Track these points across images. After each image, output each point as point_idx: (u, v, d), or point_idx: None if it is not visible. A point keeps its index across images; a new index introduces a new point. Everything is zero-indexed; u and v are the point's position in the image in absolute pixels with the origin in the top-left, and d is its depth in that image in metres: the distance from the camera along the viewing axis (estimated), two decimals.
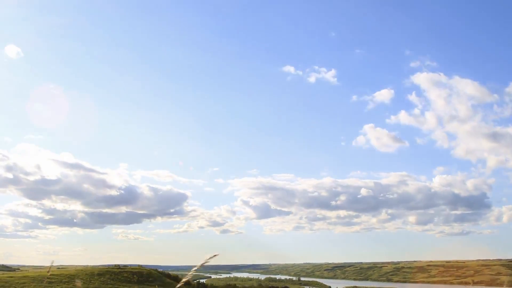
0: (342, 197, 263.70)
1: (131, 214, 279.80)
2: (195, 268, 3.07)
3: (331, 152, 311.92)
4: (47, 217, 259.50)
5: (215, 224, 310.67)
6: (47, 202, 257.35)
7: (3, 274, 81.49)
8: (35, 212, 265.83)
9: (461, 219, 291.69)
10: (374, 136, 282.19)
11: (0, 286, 59.47)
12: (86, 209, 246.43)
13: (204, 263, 3.02)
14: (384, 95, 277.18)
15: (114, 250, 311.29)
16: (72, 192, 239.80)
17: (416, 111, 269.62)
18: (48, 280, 70.19)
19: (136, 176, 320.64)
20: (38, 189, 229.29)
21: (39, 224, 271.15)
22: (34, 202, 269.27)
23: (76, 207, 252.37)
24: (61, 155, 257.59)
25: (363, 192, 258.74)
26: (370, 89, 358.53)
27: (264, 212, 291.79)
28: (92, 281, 73.13)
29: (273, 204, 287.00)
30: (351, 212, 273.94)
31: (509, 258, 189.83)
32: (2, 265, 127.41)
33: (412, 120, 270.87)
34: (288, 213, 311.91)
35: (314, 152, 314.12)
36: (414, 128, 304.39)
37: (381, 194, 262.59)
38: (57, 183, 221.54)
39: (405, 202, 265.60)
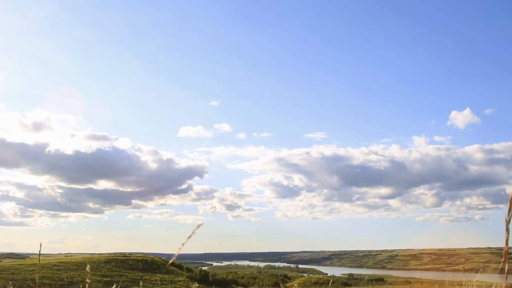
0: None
1: (134, 193, 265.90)
2: (185, 241, 4.09)
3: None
4: (43, 200, 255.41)
5: (227, 207, 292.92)
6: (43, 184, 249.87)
7: (13, 261, 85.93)
8: (36, 195, 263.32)
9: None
10: None
11: (10, 273, 63.99)
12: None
13: (191, 235, 3.22)
14: None
15: (118, 237, 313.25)
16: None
17: None
18: (56, 267, 75.04)
19: (139, 151, 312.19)
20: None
21: (40, 209, 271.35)
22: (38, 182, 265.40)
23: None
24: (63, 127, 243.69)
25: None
26: None
27: (283, 192, 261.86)
28: (99, 269, 77.72)
29: (297, 182, 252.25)
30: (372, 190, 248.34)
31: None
32: (12, 253, 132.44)
33: None
34: (310, 190, 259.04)
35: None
36: None
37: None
38: (56, 158, 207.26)
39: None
